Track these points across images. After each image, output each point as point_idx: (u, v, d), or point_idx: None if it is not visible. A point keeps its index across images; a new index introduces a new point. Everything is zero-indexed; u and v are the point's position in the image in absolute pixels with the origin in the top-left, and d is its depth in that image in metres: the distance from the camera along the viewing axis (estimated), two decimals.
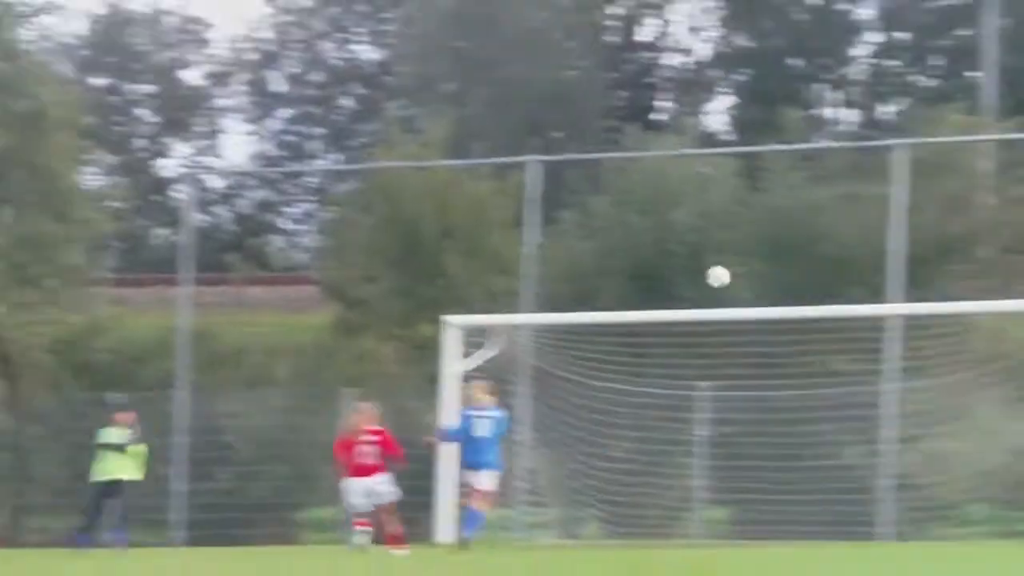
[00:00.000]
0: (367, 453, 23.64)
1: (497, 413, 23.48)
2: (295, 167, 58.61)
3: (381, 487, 24.05)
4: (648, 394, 30.09)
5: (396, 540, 23.27)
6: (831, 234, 33.64)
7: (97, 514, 26.73)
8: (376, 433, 24.40)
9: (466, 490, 23.93)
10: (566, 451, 31.45)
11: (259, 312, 40.47)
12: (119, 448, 26.09)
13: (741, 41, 57.83)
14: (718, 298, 30.75)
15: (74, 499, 28.39)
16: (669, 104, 59.26)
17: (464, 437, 23.63)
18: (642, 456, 30.77)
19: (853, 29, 57.88)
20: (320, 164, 59.63)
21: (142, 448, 26.55)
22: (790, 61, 57.14)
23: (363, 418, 24.77)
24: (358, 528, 23.82)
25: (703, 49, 59.95)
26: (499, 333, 29.27)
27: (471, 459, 23.45)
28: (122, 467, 26.28)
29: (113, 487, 26.32)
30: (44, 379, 38.00)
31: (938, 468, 29.13)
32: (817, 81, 58.47)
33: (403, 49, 54.32)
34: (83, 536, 25.74)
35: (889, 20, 57.05)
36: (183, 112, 58.13)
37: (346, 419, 26.28)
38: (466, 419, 23.65)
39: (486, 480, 23.25)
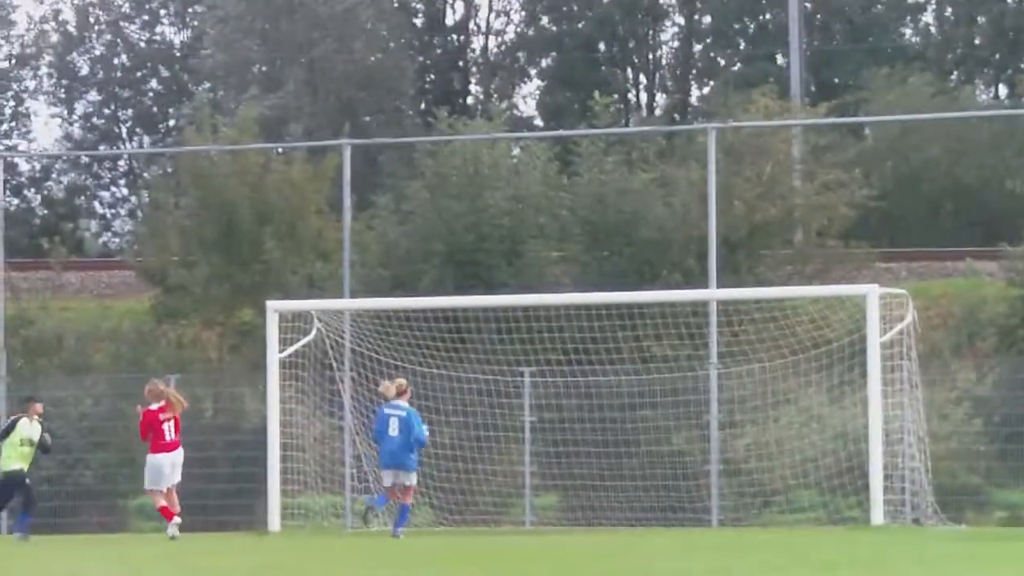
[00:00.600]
0: (169, 429, 24.38)
1: (406, 410, 24.13)
2: (105, 151, 58.05)
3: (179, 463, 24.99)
4: (472, 380, 30.23)
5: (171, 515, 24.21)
6: (647, 219, 33.95)
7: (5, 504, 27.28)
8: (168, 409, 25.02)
9: (392, 488, 24.41)
10: None
11: (76, 298, 39.86)
12: (33, 442, 26.20)
13: (546, 25, 58.56)
14: (536, 283, 31.37)
15: None
16: (479, 88, 59.93)
17: (380, 436, 24.32)
18: (469, 443, 30.80)
19: (660, 13, 58.87)
20: (131, 148, 59.10)
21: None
22: (597, 45, 58.08)
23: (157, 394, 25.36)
24: (172, 520, 24.38)
25: (510, 33, 60.69)
26: (319, 319, 29.33)
27: (387, 459, 24.18)
28: (27, 458, 26.46)
29: (18, 477, 26.41)
30: None
31: (763, 454, 29.53)
32: (625, 66, 59.46)
33: (210, 31, 54.05)
34: None
35: (693, 4, 58.13)
36: None
37: (144, 397, 26.16)
38: (381, 418, 24.25)
39: (406, 477, 24.10)
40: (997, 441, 30.72)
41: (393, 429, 23.99)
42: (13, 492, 26.35)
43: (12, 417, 27.27)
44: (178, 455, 25.23)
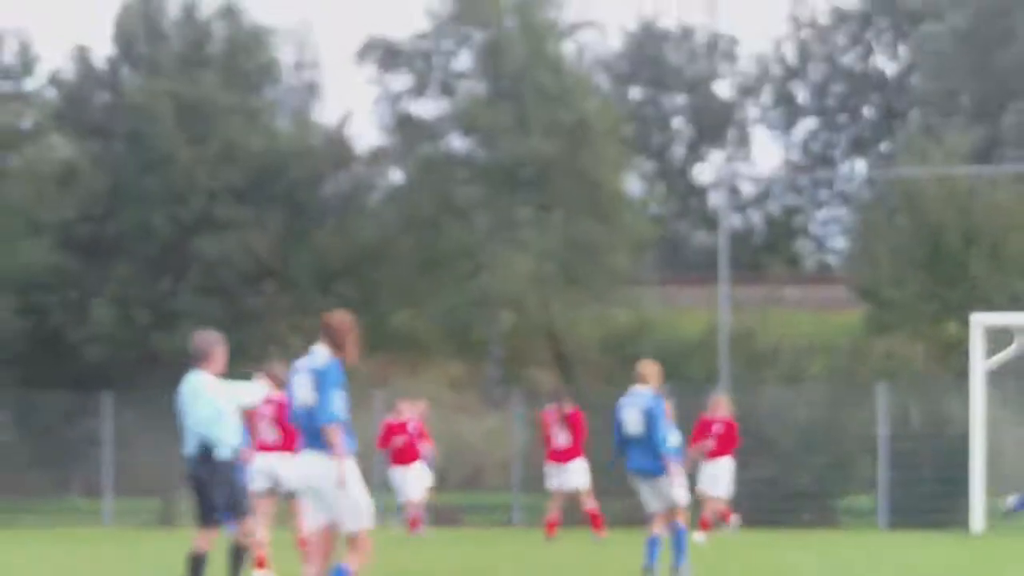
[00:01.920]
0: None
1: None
2: (821, 174, 60.91)
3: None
4: None
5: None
6: None
7: None
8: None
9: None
10: None
11: (793, 312, 42.35)
12: None
13: None
14: None
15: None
16: None
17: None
18: None
19: None
20: (845, 171, 62.04)
21: None
22: None
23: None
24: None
25: None
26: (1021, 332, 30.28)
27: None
28: None
29: None
30: (596, 373, 41.02)
31: None
32: None
33: (922, 63, 55.64)
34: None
35: None
36: (715, 122, 61.01)
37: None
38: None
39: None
40: None
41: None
42: None
43: None
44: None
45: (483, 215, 42.42)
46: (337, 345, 13.63)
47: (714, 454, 26.56)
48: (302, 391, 13.58)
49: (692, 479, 24.30)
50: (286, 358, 17.58)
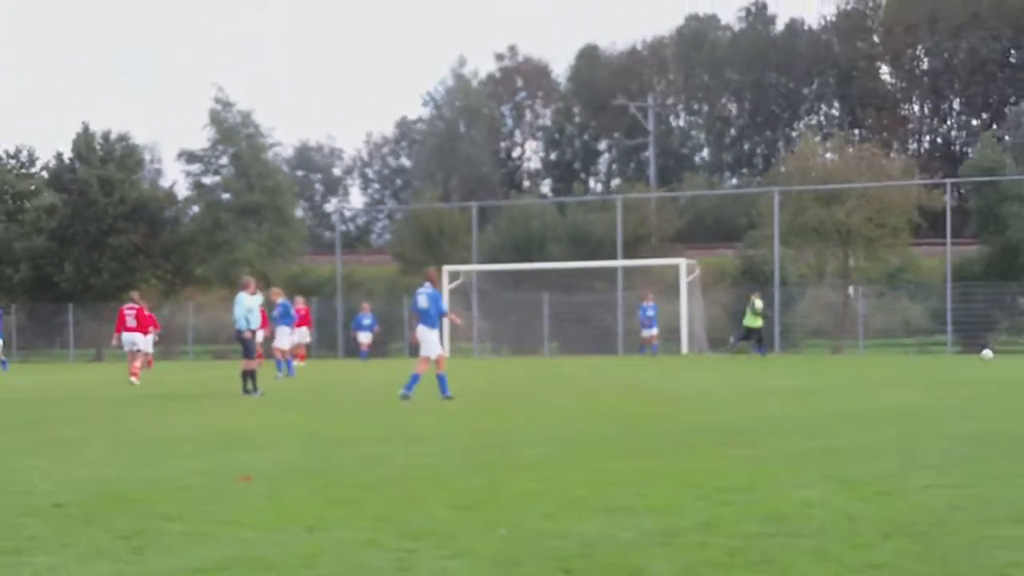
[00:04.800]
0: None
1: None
2: None
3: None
4: None
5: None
6: None
7: None
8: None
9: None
10: None
11: None
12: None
13: None
14: None
15: None
16: None
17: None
18: None
19: None
20: None
21: None
22: None
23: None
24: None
25: None
26: None
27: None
28: None
29: None
30: None
31: None
32: None
33: None
34: None
35: None
36: None
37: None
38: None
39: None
40: None
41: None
42: None
43: None
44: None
45: None
46: (433, 281, 28.24)
47: None
48: (422, 299, 28.02)
49: None
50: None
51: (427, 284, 28.52)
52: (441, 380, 27.89)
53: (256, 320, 32.47)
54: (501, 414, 24.28)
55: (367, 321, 60.05)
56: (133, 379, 37.39)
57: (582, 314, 68.22)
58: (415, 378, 27.82)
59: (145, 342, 41.53)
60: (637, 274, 69.60)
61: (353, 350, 62.91)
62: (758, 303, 54.29)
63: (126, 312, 40.38)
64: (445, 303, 30.48)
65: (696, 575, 9.13)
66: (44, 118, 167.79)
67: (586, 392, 29.53)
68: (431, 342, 28.14)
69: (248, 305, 31.96)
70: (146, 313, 42.45)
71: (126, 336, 39.83)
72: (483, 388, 33.06)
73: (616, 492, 12.99)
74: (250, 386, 31.36)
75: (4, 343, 55.03)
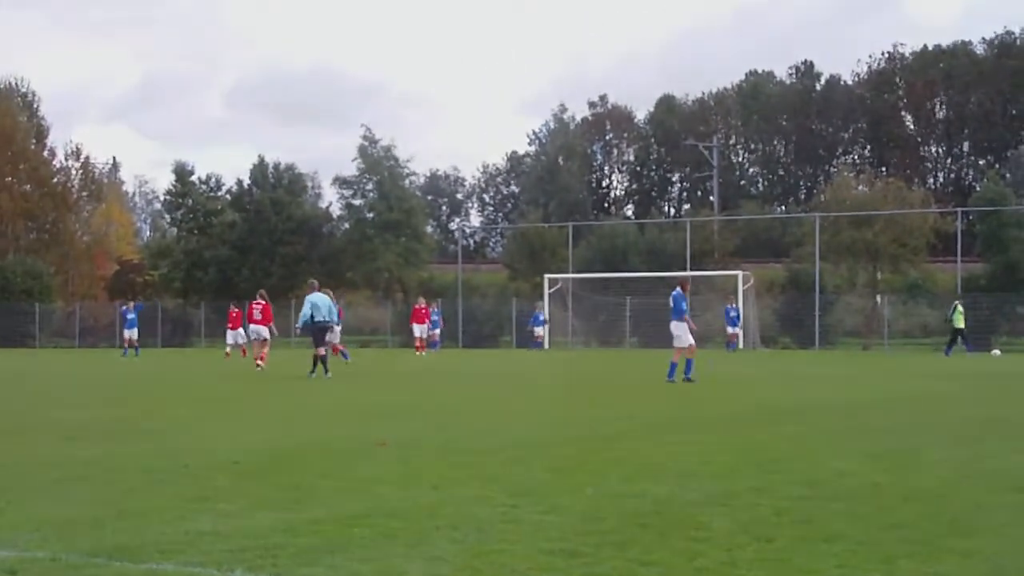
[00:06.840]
0: None
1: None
2: None
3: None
4: None
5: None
6: None
7: None
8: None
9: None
10: None
11: None
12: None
13: None
14: None
15: None
16: None
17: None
18: None
19: None
20: None
21: None
22: None
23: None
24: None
25: None
26: None
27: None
28: None
29: None
30: None
31: None
32: None
33: None
34: None
35: None
36: None
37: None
38: None
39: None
40: None
41: None
42: None
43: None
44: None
45: None
46: (683, 286, 27.00)
47: None
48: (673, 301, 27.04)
49: None
50: None
51: (677, 288, 28.12)
52: (688, 364, 27.52)
53: (334, 314, 32.05)
54: (590, 396, 23.93)
55: (543, 317, 60.72)
56: (260, 363, 35.68)
57: (657, 315, 68.53)
58: (675, 366, 27.49)
59: (267, 332, 39.67)
60: (702, 283, 69.12)
61: (524, 342, 63.37)
62: (960, 307, 50.77)
63: (254, 307, 38.91)
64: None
65: (749, 531, 8.86)
66: (227, 153, 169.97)
67: (659, 378, 29.42)
68: (680, 335, 27.66)
69: (316, 302, 31.03)
70: (270, 309, 41.96)
71: (252, 327, 38.49)
72: (576, 375, 32.83)
73: (684, 461, 12.74)
74: (321, 369, 30.31)
75: (138, 333, 54.52)
